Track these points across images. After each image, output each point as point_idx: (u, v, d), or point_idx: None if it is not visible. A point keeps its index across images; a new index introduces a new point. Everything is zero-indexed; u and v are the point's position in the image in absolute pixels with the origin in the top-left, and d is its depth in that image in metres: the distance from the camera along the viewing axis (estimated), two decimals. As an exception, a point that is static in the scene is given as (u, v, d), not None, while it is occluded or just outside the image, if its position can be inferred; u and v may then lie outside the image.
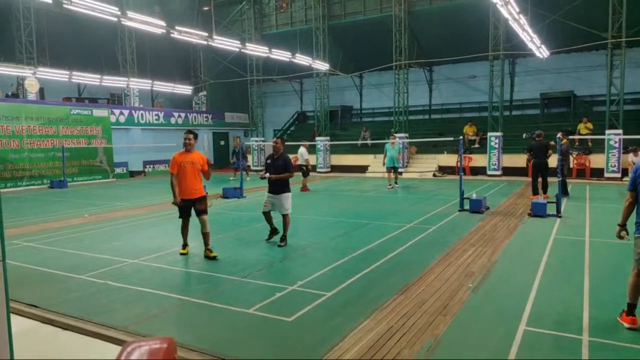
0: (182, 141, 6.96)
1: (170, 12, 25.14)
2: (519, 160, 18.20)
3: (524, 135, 18.54)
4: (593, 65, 21.37)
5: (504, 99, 20.11)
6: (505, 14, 14.16)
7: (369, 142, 22.75)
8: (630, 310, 4.11)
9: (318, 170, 23.12)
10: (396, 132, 20.95)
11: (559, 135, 11.55)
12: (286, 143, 8.06)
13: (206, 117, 27.56)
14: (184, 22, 21.91)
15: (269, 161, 7.62)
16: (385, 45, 21.90)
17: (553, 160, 11.53)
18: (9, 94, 20.08)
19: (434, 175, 20.47)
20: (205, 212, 6.85)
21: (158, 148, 23.62)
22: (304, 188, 15.25)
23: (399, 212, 11.02)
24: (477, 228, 8.60)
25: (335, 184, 18.17)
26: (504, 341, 3.87)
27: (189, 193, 6.77)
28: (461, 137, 12.56)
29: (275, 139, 8.06)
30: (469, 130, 21.65)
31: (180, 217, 6.97)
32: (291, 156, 9.23)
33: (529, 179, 13.26)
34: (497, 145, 19.36)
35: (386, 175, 16.21)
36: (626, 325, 4.07)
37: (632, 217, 4.21)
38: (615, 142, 16.91)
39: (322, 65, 22.66)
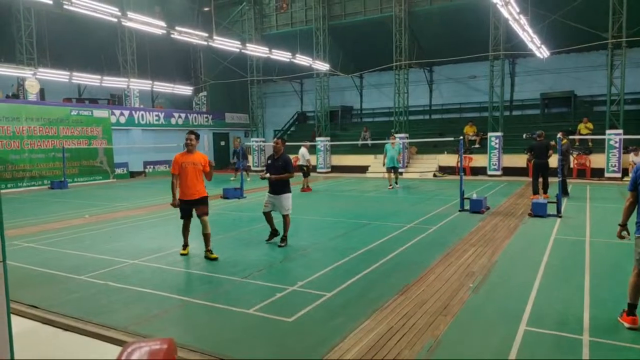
0: (183, 142, 6.94)
1: (171, 12, 25.15)
2: (520, 160, 18.20)
3: (524, 136, 18.54)
4: (593, 65, 21.37)
5: (504, 99, 20.11)
6: (506, 14, 14.16)
7: (369, 142, 22.75)
8: (631, 310, 4.10)
9: (318, 170, 23.12)
10: (396, 133, 20.96)
11: (559, 135, 11.54)
12: (287, 143, 8.05)
13: (206, 117, 27.57)
14: (184, 22, 21.92)
15: (269, 161, 7.62)
16: (385, 46, 21.90)
17: (553, 160, 11.52)
18: (10, 94, 20.10)
19: (435, 175, 20.47)
20: (206, 213, 6.85)
21: (158, 149, 23.64)
22: (306, 188, 15.25)
23: (399, 212, 11.02)
24: (478, 228, 8.60)
25: (336, 184, 18.17)
26: (504, 341, 3.87)
27: (190, 194, 6.76)
28: (461, 137, 12.55)
29: (275, 139, 8.07)
30: (469, 131, 21.65)
31: (181, 217, 6.95)
32: (292, 156, 9.23)
33: (529, 179, 13.25)
34: (497, 146, 19.36)
35: (386, 175, 16.22)
36: (627, 325, 4.07)
37: (633, 217, 4.20)
38: (616, 142, 16.91)
39: (322, 66, 22.67)
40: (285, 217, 7.46)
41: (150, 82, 23.69)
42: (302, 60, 21.41)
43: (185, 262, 6.68)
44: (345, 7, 23.10)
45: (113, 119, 21.86)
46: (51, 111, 19.16)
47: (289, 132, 29.22)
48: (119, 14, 14.77)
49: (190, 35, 17.72)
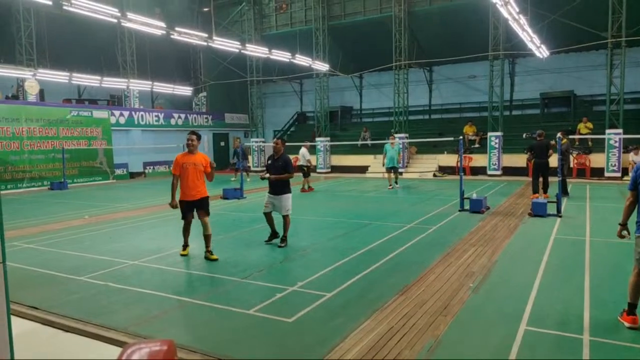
0: (183, 142, 6.93)
1: (170, 13, 25.15)
2: (519, 160, 18.20)
3: (524, 135, 18.53)
4: (593, 64, 21.38)
5: (504, 98, 20.11)
6: (505, 14, 14.17)
7: (369, 142, 22.76)
8: (631, 309, 4.10)
9: (318, 170, 23.13)
10: (396, 133, 20.96)
11: (559, 135, 11.55)
12: (286, 144, 8.05)
13: (206, 118, 27.57)
14: (183, 23, 21.91)
15: (269, 162, 7.62)
16: (385, 46, 21.91)
17: (554, 160, 11.52)
18: (9, 95, 20.10)
19: (434, 175, 20.47)
20: (207, 214, 6.84)
21: (158, 149, 23.64)
22: (306, 189, 15.24)
23: (399, 212, 11.02)
24: (478, 228, 8.59)
25: (336, 185, 18.17)
26: (504, 341, 3.87)
27: (191, 195, 6.74)
28: (461, 137, 12.57)
29: (275, 139, 8.06)
30: (469, 130, 21.66)
31: (182, 218, 6.93)
32: (292, 157, 9.23)
33: (529, 179, 13.25)
34: (497, 145, 19.36)
35: (386, 175, 16.22)
36: (627, 324, 4.07)
37: (633, 217, 4.20)
38: (616, 141, 16.91)
39: (322, 66, 22.68)
40: (285, 217, 7.46)
41: (150, 82, 23.70)
42: (302, 60, 21.42)
43: (185, 263, 6.68)
44: (344, 7, 23.11)
45: (113, 120, 21.86)
46: (51, 112, 19.16)
47: (288, 133, 29.22)
48: (119, 14, 14.78)
49: (189, 36, 17.72)
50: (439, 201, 12.34)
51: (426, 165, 21.60)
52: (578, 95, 21.84)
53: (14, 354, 2.69)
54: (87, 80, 21.13)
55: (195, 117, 26.81)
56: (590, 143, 18.54)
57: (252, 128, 27.39)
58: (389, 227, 8.85)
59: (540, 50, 18.42)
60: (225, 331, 4.31)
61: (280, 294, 5.15)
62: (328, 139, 23.73)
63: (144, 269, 6.37)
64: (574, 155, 17.63)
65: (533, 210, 9.76)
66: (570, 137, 15.92)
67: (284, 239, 7.47)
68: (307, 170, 15.52)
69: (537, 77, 23.02)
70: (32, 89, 19.35)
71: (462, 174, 11.17)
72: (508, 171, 19.37)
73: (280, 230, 7.60)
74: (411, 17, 21.40)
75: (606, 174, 17.19)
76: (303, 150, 15.68)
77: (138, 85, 23.38)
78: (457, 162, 16.33)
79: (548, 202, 10.03)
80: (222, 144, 28.61)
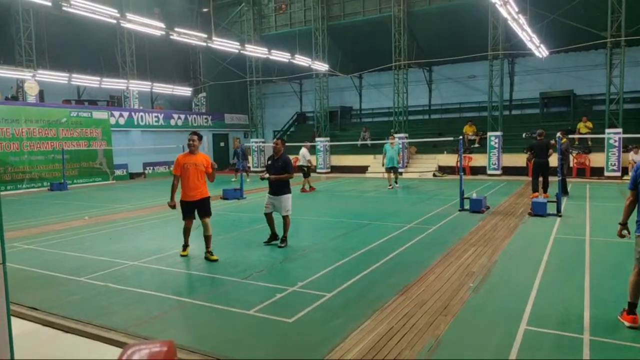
0: (183, 143, 6.93)
1: (170, 14, 25.16)
2: (519, 159, 18.20)
3: (523, 135, 18.55)
4: (592, 64, 21.39)
5: (503, 98, 20.11)
6: (504, 14, 14.18)
7: (368, 142, 22.76)
8: (631, 309, 4.10)
9: (318, 170, 23.13)
10: (396, 132, 20.96)
11: (559, 134, 11.56)
12: (286, 144, 8.04)
13: (206, 118, 27.57)
14: (183, 23, 21.93)
15: (269, 162, 7.62)
16: (384, 46, 21.91)
17: (554, 160, 11.53)
18: (9, 96, 20.09)
19: (434, 175, 20.47)
20: (208, 214, 6.82)
21: (158, 150, 23.64)
22: (307, 189, 15.22)
23: (399, 212, 11.02)
24: (478, 228, 8.59)
25: (335, 185, 18.17)
26: (504, 341, 3.87)
27: (192, 195, 6.73)
28: (461, 137, 12.57)
29: (275, 140, 8.06)
30: (468, 130, 21.66)
31: (183, 219, 6.91)
32: (292, 157, 9.23)
33: (529, 179, 13.25)
34: (497, 145, 19.37)
35: (386, 175, 16.22)
36: (627, 324, 4.07)
37: (633, 216, 4.20)
38: (615, 141, 16.92)
39: (321, 66, 22.68)
40: (285, 218, 7.45)
41: (150, 83, 23.71)
42: (301, 60, 21.43)
43: (185, 264, 6.67)
44: (344, 8, 23.12)
45: (112, 121, 21.86)
46: (50, 113, 19.15)
47: (288, 133, 29.23)
48: (118, 15, 14.79)
49: (189, 36, 17.73)
50: (439, 201, 12.35)
51: (426, 165, 21.61)
52: (577, 94, 21.85)
53: (14, 354, 2.69)
54: (87, 81, 21.14)
55: (194, 118, 26.81)
56: (589, 142, 18.54)
57: (252, 128, 27.40)
58: (388, 227, 8.85)
59: (539, 49, 18.43)
60: (225, 331, 4.31)
61: (281, 294, 5.15)
62: (328, 139, 23.74)
63: (143, 270, 6.37)
64: (574, 154, 17.64)
65: (533, 210, 9.76)
66: (570, 136, 15.92)
67: (284, 239, 7.47)
68: (307, 171, 15.52)
69: (537, 77, 23.03)
70: (31, 90, 19.34)
71: (462, 173, 11.17)
72: (508, 171, 19.37)
73: (280, 232, 7.58)
74: (410, 17, 21.40)
75: (606, 174, 17.20)
76: (303, 151, 15.68)
77: (138, 86, 23.39)
78: (457, 162, 16.34)
79: (548, 201, 10.03)
80: (222, 144, 28.61)
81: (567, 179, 13.51)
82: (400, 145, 19.41)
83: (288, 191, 7.48)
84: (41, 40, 20.82)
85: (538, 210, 9.67)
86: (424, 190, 15.51)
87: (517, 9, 14.10)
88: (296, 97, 30.74)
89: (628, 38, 16.73)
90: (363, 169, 22.57)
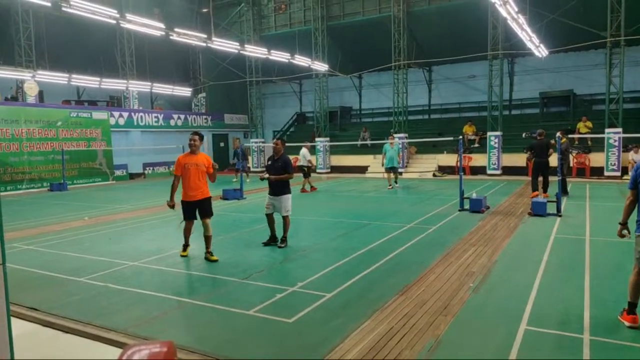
0: (183, 143, 6.93)
1: (169, 14, 25.16)
2: (519, 159, 18.20)
3: (523, 135, 18.55)
4: (592, 64, 21.40)
5: (503, 98, 20.11)
6: (504, 14, 14.19)
7: (368, 142, 22.77)
8: (631, 309, 4.10)
9: (318, 171, 23.12)
10: (396, 132, 20.97)
11: (559, 134, 11.56)
12: (286, 144, 8.03)
13: (206, 118, 27.58)
14: (182, 24, 21.92)
15: (269, 162, 7.61)
16: (384, 46, 21.92)
17: (554, 159, 11.54)
18: (8, 97, 20.09)
19: (434, 175, 20.48)
20: (209, 215, 6.81)
21: (158, 150, 23.64)
22: (307, 189, 15.22)
23: (399, 212, 11.02)
24: (477, 228, 8.59)
25: (335, 185, 18.17)
26: (505, 341, 3.86)
27: (193, 195, 6.71)
28: (461, 137, 12.58)
29: (275, 140, 8.05)
30: (468, 130, 21.67)
31: (184, 219, 6.88)
32: (292, 157, 9.22)
33: (529, 178, 13.25)
34: (496, 145, 19.37)
35: (386, 175, 16.22)
36: (627, 324, 4.07)
37: (633, 216, 4.20)
38: (615, 140, 16.92)
39: (321, 66, 22.69)
40: (285, 218, 7.45)
41: (149, 83, 23.72)
42: (301, 60, 21.44)
43: (185, 264, 6.67)
44: (343, 8, 23.12)
45: (112, 121, 21.86)
46: (50, 113, 19.15)
47: (288, 133, 29.23)
48: (118, 15, 14.79)
49: (189, 37, 17.74)
50: (439, 201, 12.35)
51: (426, 165, 21.61)
52: (577, 94, 21.86)
53: (14, 355, 2.69)
54: (87, 81, 21.14)
55: (194, 118, 26.82)
56: (589, 142, 18.55)
57: (252, 129, 27.40)
58: (388, 227, 8.85)
59: (539, 49, 18.43)
60: (225, 332, 4.31)
61: (281, 294, 5.15)
62: (327, 139, 23.74)
63: (143, 270, 6.37)
64: (574, 154, 17.65)
65: (533, 210, 9.76)
66: (570, 136, 15.93)
67: (283, 240, 7.47)
68: (307, 171, 15.53)
69: (537, 77, 23.03)
70: (31, 91, 19.34)
71: (462, 173, 11.17)
72: (508, 171, 19.37)
73: (280, 234, 7.56)
74: (410, 17, 21.41)
75: (606, 173, 17.20)
76: (304, 151, 15.69)
77: (137, 86, 23.40)
78: (457, 161, 16.34)
79: (548, 201, 10.03)
80: (222, 144, 28.62)
81: (567, 179, 13.51)
82: (400, 145, 19.42)
83: (288, 191, 7.47)
84: (41, 40, 20.83)
85: (538, 210, 9.67)
86: (423, 190, 15.51)
87: (516, 9, 14.10)
88: (296, 97, 30.74)
89: (628, 38, 16.74)
90: (363, 169, 22.58)
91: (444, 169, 20.89)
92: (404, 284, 5.38)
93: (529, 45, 17.60)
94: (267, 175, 7.44)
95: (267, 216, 7.56)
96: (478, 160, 20.37)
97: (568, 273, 5.75)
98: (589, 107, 21.62)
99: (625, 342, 3.82)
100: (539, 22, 17.95)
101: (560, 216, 9.49)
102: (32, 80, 19.19)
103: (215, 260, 6.64)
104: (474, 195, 10.83)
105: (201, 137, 6.86)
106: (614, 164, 17.05)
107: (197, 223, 6.87)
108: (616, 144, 16.95)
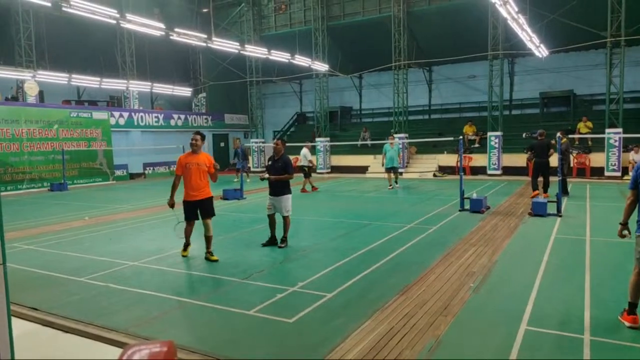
0: (183, 143, 6.94)
1: (169, 14, 25.17)
2: (519, 159, 18.20)
3: (523, 135, 18.54)
4: (592, 64, 21.40)
5: (503, 98, 20.11)
6: (504, 14, 14.18)
7: (368, 142, 22.77)
8: (632, 309, 4.10)
9: (318, 171, 23.12)
10: (396, 133, 20.98)
11: (559, 134, 11.56)
12: (287, 144, 8.02)
13: (206, 118, 27.59)
14: (183, 24, 21.93)
15: (269, 162, 7.61)
16: (384, 46, 21.92)
17: (554, 160, 11.53)
18: (9, 97, 20.10)
19: (434, 175, 20.47)
20: (210, 215, 6.80)
21: (158, 150, 23.64)
22: (308, 190, 15.21)
23: (400, 212, 11.02)
24: (478, 228, 8.59)
25: (336, 185, 18.17)
26: (505, 341, 3.86)
27: (194, 195, 6.69)
28: (461, 137, 12.57)
29: (275, 140, 8.05)
30: (468, 130, 21.67)
31: (185, 219, 6.86)
32: (292, 157, 9.22)
33: (529, 179, 13.25)
34: (497, 145, 19.37)
35: (386, 175, 16.22)
36: (627, 324, 4.07)
37: (634, 216, 4.20)
38: (615, 140, 16.91)
39: (321, 66, 22.69)
40: (285, 218, 7.45)
41: (150, 83, 23.72)
42: (301, 60, 21.44)
43: (185, 264, 6.67)
44: (344, 8, 23.12)
45: (112, 121, 21.86)
46: (50, 113, 19.16)
47: (288, 133, 29.23)
48: (118, 15, 14.79)
49: (189, 37, 17.74)
50: (439, 201, 12.35)
51: (426, 165, 21.61)
52: (577, 94, 21.85)
53: (14, 354, 2.69)
54: (87, 81, 21.14)
55: (195, 118, 26.82)
56: (590, 142, 18.54)
57: (252, 129, 27.40)
58: (389, 227, 8.85)
59: (539, 49, 18.43)
60: (226, 332, 4.31)
61: (281, 294, 5.15)
62: (328, 139, 23.74)
63: (144, 270, 6.37)
64: (574, 154, 17.64)
65: (533, 210, 9.76)
66: (570, 136, 15.92)
67: (284, 240, 7.47)
68: (308, 171, 15.54)
69: (537, 77, 23.03)
70: (31, 91, 19.35)
71: (462, 173, 11.17)
72: (508, 171, 19.37)
73: (280, 235, 7.55)
74: (410, 17, 21.41)
75: (606, 174, 17.19)
76: (305, 151, 15.70)
77: (137, 86, 23.40)
78: (457, 162, 16.34)
79: (548, 201, 10.03)
80: (222, 144, 28.63)
81: (568, 179, 13.50)
82: (400, 146, 19.42)
83: (288, 192, 7.47)
84: (41, 40, 20.83)
85: (538, 211, 9.67)
86: (424, 190, 15.51)
87: (516, 9, 14.10)
88: (296, 97, 30.75)
89: (628, 38, 16.73)
90: (363, 169, 22.57)
91: (444, 169, 20.89)
92: (405, 284, 5.38)
93: (529, 45, 17.60)
94: (267, 176, 7.44)
95: (269, 217, 7.55)
96: (478, 160, 20.37)
97: (568, 273, 5.74)
98: (589, 107, 21.62)
99: (626, 342, 3.82)
100: (539, 22, 17.95)
101: (560, 216, 9.49)
102: (33, 80, 19.19)
103: (216, 260, 6.64)
104: (475, 196, 10.82)
105: (203, 137, 6.85)
106: (615, 164, 17.04)
107: (197, 223, 6.87)
108: (616, 144, 16.94)
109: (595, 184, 15.87)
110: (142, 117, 23.61)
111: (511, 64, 23.52)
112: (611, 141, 16.95)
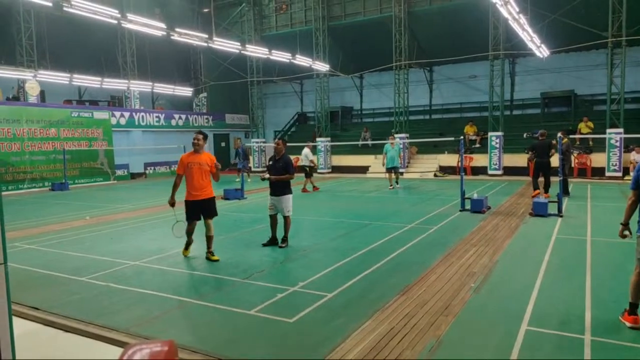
0: (184, 143, 6.94)
1: (170, 14, 25.19)
2: (520, 159, 18.19)
3: (524, 135, 18.54)
4: (593, 64, 21.38)
5: (504, 98, 20.10)
6: (505, 14, 14.17)
7: (369, 142, 22.76)
8: (633, 309, 4.09)
9: (319, 171, 23.12)
10: (397, 133, 20.97)
11: (560, 134, 11.55)
12: (287, 144, 8.02)
13: (207, 118, 27.60)
14: (184, 24, 21.95)
15: (270, 162, 7.61)
16: (385, 46, 21.91)
17: (555, 160, 11.52)
18: (10, 96, 20.12)
19: (435, 175, 20.46)
20: (212, 215, 6.80)
21: (159, 150, 23.66)
22: (309, 190, 15.21)
23: (400, 212, 11.02)
24: (479, 228, 8.59)
25: (336, 185, 18.17)
26: (505, 341, 3.86)
27: (196, 195, 6.69)
28: (462, 137, 12.56)
29: (276, 140, 8.05)
30: (469, 130, 21.65)
31: (187, 219, 6.82)
32: (292, 157, 9.22)
33: (530, 179, 13.24)
34: (497, 145, 19.35)
35: (387, 175, 16.22)
36: (628, 324, 4.06)
37: (635, 216, 4.20)
38: (616, 141, 16.90)
39: (322, 66, 22.68)
40: (286, 218, 7.45)
41: (151, 83, 23.73)
42: (302, 60, 21.43)
43: (186, 264, 6.68)
44: (344, 8, 23.12)
45: (113, 121, 21.88)
46: (51, 113, 19.18)
47: (289, 133, 29.23)
48: (119, 15, 14.79)
49: (190, 37, 17.73)
50: (440, 201, 12.34)
51: (427, 165, 21.60)
52: (578, 94, 21.83)
53: (15, 354, 2.69)
54: (88, 81, 21.16)
55: (195, 118, 26.84)
56: (591, 143, 18.52)
57: (253, 128, 27.40)
58: (389, 227, 8.85)
59: (540, 49, 18.42)
60: (226, 331, 4.32)
61: (282, 294, 5.15)
62: (328, 139, 23.73)
63: (145, 270, 6.38)
64: (575, 155, 17.62)
65: (534, 210, 9.75)
66: (571, 136, 15.91)
67: (284, 240, 7.47)
68: (309, 171, 15.54)
69: (538, 77, 23.01)
70: (32, 90, 19.37)
71: (463, 174, 11.16)
72: (509, 171, 19.36)
73: (280, 236, 7.55)
74: (411, 17, 21.40)
75: (607, 174, 17.17)
76: (306, 151, 15.72)
77: (138, 86, 23.41)
78: (458, 162, 16.34)
79: (549, 201, 10.02)
80: (223, 144, 28.64)
81: (569, 179, 13.49)
82: (401, 146, 19.41)
83: (289, 192, 7.47)
84: (42, 40, 20.85)
85: (539, 211, 9.66)
86: (424, 190, 15.50)
87: (517, 9, 14.08)
88: (297, 97, 30.75)
89: (629, 38, 16.71)
90: (364, 169, 22.56)
91: (445, 169, 20.88)
92: (405, 284, 5.38)
93: (530, 45, 17.58)
94: (267, 176, 7.44)
95: (271, 217, 7.55)
96: (479, 160, 20.36)
97: (569, 273, 5.74)
98: (590, 108, 21.60)
99: (626, 342, 3.82)
100: (540, 22, 17.94)
101: (561, 216, 9.48)
102: (34, 80, 19.22)
103: (216, 260, 6.64)
104: (475, 196, 10.81)
105: (205, 137, 6.85)
106: (615, 165, 17.02)
107: (198, 222, 6.88)
108: (617, 144, 16.93)
109: (596, 184, 15.86)
110: (143, 117, 23.63)
111: (512, 64, 23.50)
112: (612, 141, 16.93)
